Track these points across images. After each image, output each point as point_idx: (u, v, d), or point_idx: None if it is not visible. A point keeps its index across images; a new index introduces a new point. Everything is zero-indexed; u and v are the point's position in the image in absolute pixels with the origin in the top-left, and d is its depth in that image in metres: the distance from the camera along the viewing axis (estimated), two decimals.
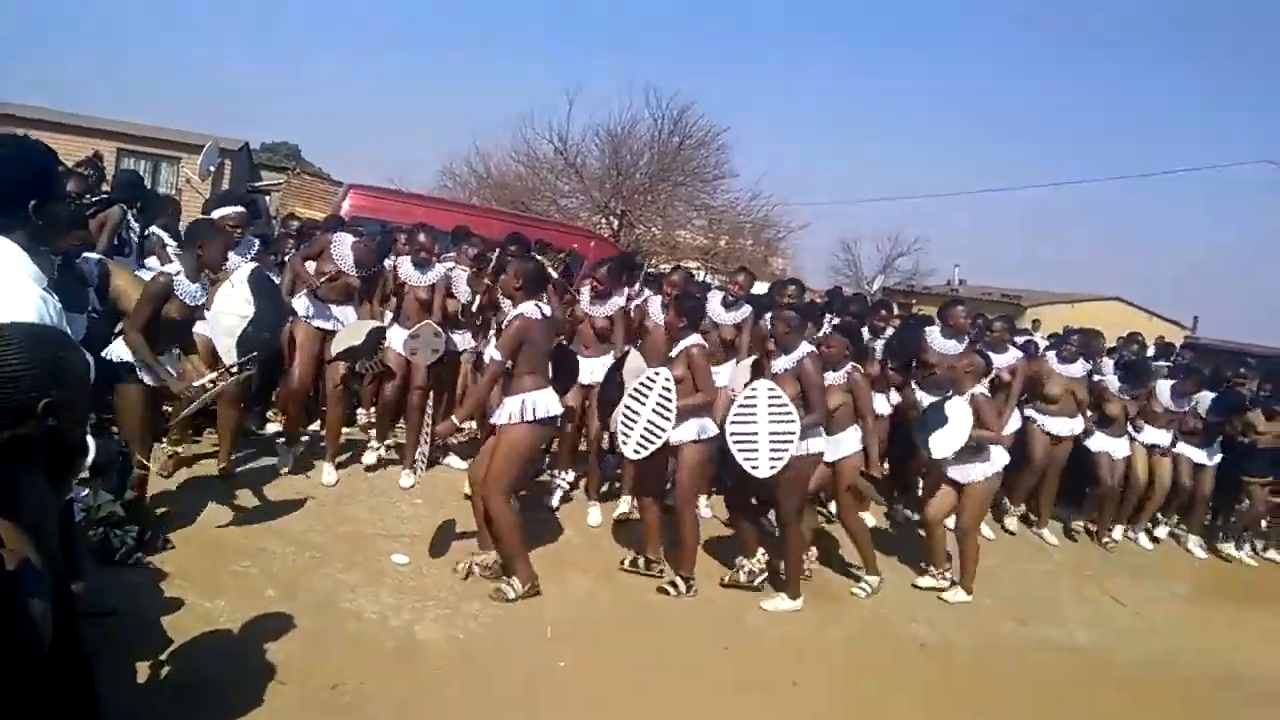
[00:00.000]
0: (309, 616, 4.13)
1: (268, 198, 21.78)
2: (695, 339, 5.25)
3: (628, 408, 5.16)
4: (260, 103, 65.34)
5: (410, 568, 4.92)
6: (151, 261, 5.80)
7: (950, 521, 5.87)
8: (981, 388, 5.80)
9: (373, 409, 6.78)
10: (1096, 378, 7.47)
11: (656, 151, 22.36)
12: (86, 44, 63.59)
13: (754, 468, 4.97)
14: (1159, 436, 7.53)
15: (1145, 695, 5.11)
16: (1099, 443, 7.32)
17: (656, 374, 5.13)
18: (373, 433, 6.48)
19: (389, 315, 6.27)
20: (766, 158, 70.26)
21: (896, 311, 8.01)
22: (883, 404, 6.58)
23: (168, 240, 6.02)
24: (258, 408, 6.60)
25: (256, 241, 6.16)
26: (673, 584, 5.18)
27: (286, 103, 67.98)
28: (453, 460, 6.48)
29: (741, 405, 5.08)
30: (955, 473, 5.74)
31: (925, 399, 6.41)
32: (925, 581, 5.98)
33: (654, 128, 22.35)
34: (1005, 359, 6.89)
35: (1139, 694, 5.12)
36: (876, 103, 71.39)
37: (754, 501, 5.49)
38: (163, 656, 3.56)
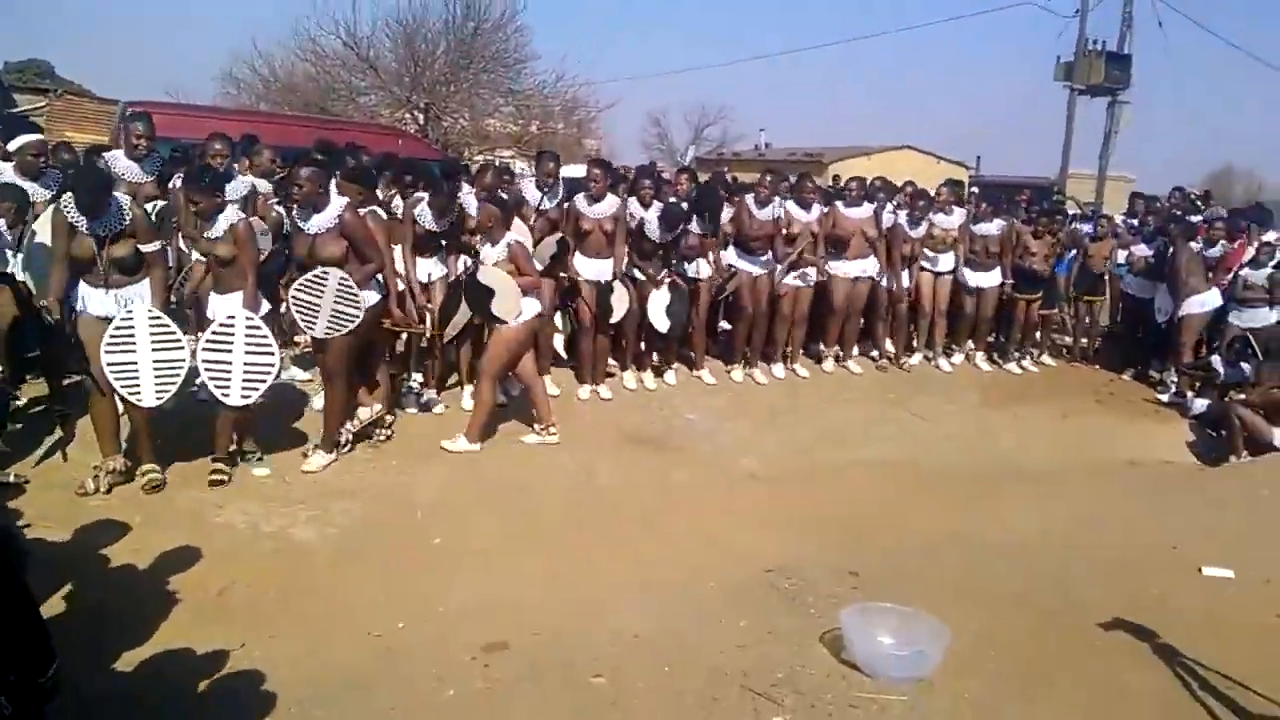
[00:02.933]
0: (181, 533, 4.27)
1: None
2: (513, 235, 5.63)
3: (303, 302, 5.05)
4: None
5: (273, 478, 5.08)
6: None
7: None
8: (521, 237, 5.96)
9: None
10: (887, 218, 8.24)
11: (453, 39, 21.60)
12: None
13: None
14: (945, 263, 8.44)
15: (945, 490, 5.98)
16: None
17: (328, 273, 5.07)
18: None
19: None
20: (567, 37, 68.60)
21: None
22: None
23: None
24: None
25: (59, 173, 5.82)
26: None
27: (26, 14, 60.24)
28: (295, 371, 6.54)
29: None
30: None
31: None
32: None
33: (446, 14, 21.54)
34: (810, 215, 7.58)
35: (941, 490, 5.98)
36: None
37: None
38: (61, 595, 3.65)
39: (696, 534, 4.96)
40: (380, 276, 5.46)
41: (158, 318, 4.68)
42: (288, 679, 3.29)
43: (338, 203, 5.16)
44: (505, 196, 6.24)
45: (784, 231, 7.54)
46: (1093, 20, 23.40)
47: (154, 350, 4.65)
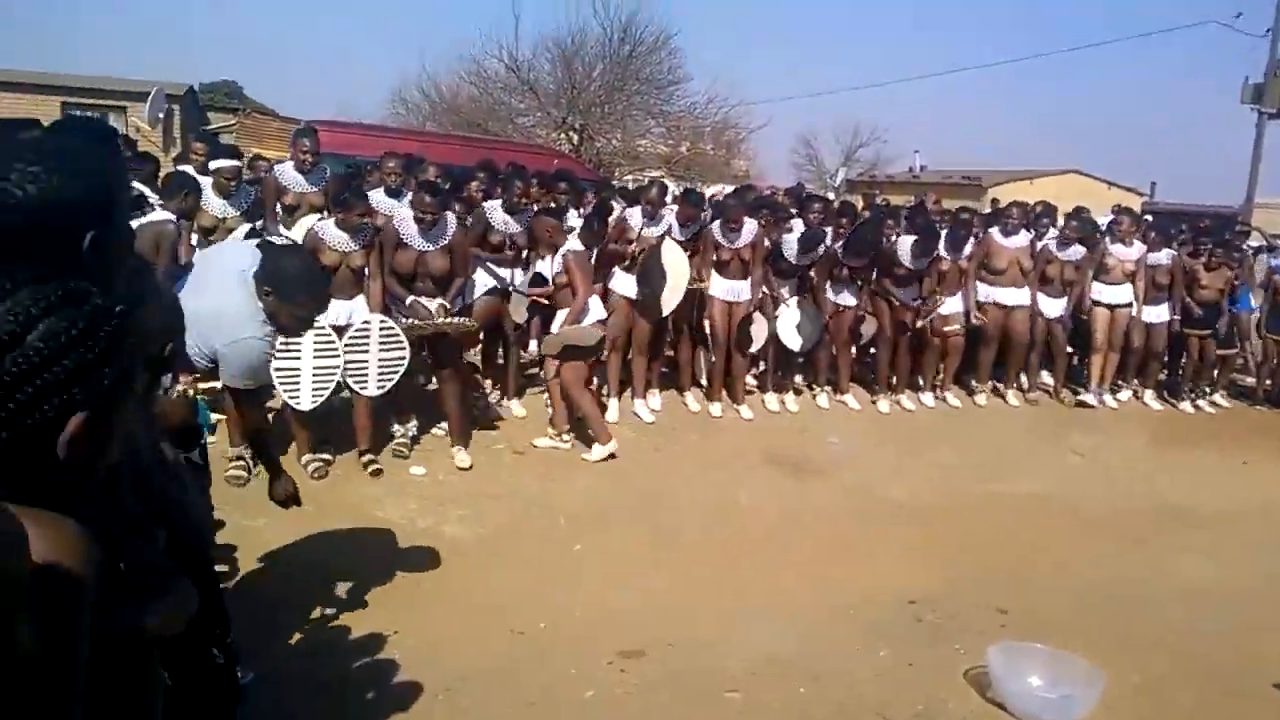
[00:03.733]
0: (345, 526, 4.54)
1: (219, 139, 21.49)
2: (568, 246, 5.78)
3: (351, 360, 5.23)
4: (195, 41, 63.09)
5: (428, 477, 5.33)
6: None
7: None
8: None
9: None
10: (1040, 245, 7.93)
11: (609, 61, 22.19)
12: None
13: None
14: (1114, 295, 8.01)
15: (1105, 531, 5.65)
16: (1050, 307, 7.85)
17: (367, 322, 5.29)
18: None
19: None
20: (720, 59, 69.19)
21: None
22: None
23: (148, 194, 6.22)
24: None
25: (253, 191, 6.37)
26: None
27: (222, 39, 65.65)
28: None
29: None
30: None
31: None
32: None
33: (604, 37, 22.16)
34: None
35: (1101, 531, 5.66)
36: None
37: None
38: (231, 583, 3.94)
39: (836, 560, 4.88)
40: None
41: (321, 327, 5.00)
42: (437, 668, 3.44)
43: (450, 219, 5.52)
44: (555, 207, 6.44)
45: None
46: None
47: (315, 357, 5.03)
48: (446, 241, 5.45)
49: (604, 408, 6.51)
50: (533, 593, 4.21)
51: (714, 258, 6.77)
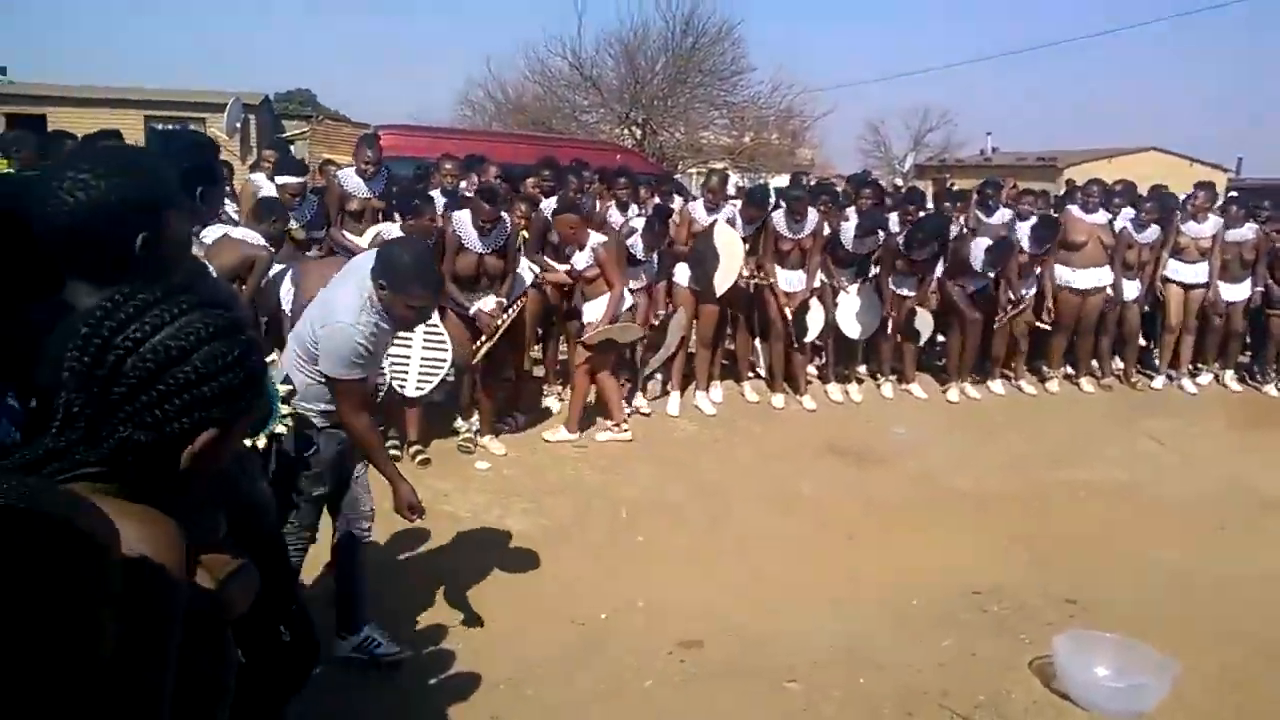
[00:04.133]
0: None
1: (292, 146, 22.13)
2: (597, 239, 5.77)
3: (394, 357, 5.24)
4: (268, 52, 64.95)
5: (492, 472, 5.45)
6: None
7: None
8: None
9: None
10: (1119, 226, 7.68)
11: (671, 55, 22.12)
12: (87, 17, 63.41)
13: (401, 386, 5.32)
14: (1189, 274, 7.75)
15: (1181, 519, 5.48)
16: (1126, 289, 7.61)
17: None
18: None
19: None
20: (783, 46, 68.54)
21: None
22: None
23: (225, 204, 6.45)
24: None
25: (315, 202, 6.56)
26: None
27: (295, 48, 67.51)
28: None
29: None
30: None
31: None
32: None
33: (666, 30, 22.11)
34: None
35: (1176, 519, 5.49)
36: None
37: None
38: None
39: (900, 550, 4.84)
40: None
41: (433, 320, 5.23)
42: (500, 657, 3.53)
43: (507, 221, 5.64)
44: (579, 201, 6.37)
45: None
46: None
47: (424, 348, 5.28)
48: (505, 243, 5.56)
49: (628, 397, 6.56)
50: (595, 583, 4.28)
51: (775, 248, 6.76)
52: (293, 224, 6.21)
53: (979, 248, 6.95)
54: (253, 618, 1.69)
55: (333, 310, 3.00)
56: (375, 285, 2.98)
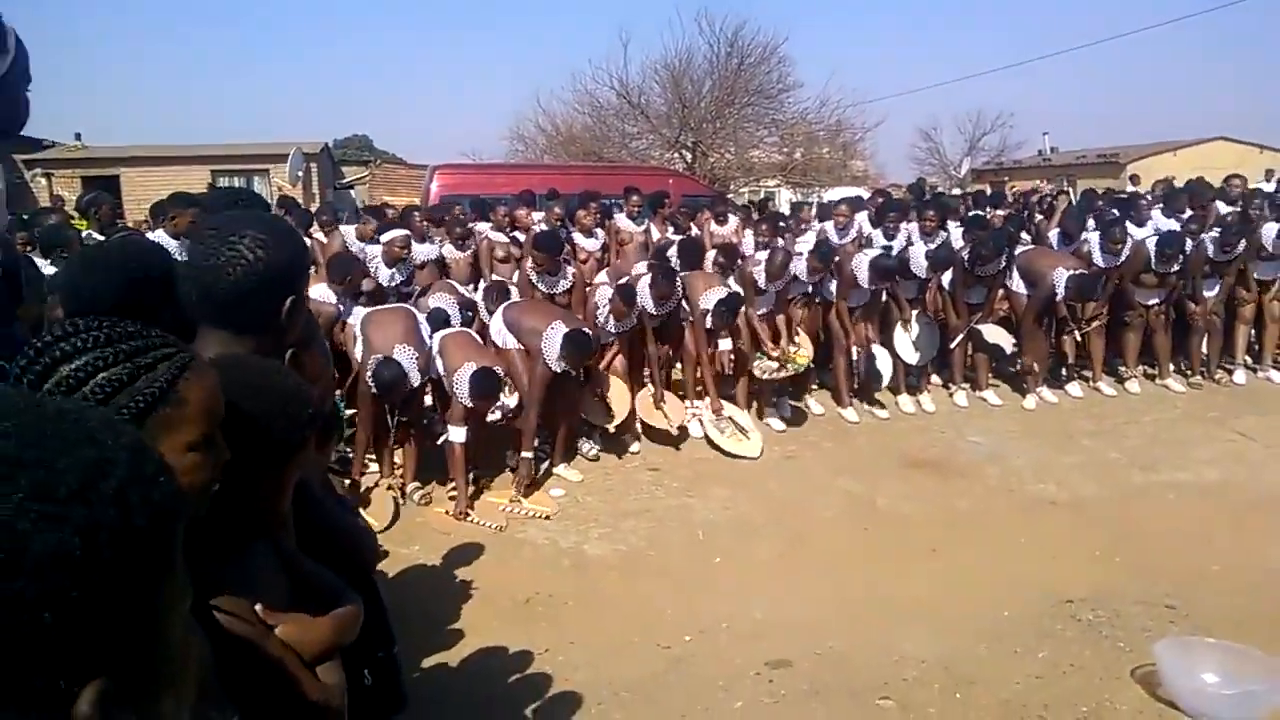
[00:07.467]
0: (490, 548, 4.71)
1: (354, 191, 22.72)
2: (572, 268, 6.36)
3: None
4: (329, 101, 66.94)
5: (567, 499, 5.47)
6: None
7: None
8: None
9: None
10: None
11: (717, 77, 22.21)
12: (150, 81, 66.16)
13: None
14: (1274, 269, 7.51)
15: (1274, 518, 5.25)
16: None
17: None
18: None
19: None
20: (830, 60, 68.24)
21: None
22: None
23: None
24: None
25: (433, 251, 7.08)
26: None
27: (351, 97, 69.53)
28: None
29: None
30: None
31: None
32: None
33: (711, 54, 22.22)
34: None
35: (1269, 517, 5.27)
36: None
37: None
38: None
39: (986, 561, 4.72)
40: None
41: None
42: (587, 682, 3.53)
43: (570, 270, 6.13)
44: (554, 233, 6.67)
45: None
46: None
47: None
48: (569, 283, 5.71)
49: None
50: (676, 606, 4.26)
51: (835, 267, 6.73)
52: (397, 279, 6.51)
53: (1060, 279, 6.78)
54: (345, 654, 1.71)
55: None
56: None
